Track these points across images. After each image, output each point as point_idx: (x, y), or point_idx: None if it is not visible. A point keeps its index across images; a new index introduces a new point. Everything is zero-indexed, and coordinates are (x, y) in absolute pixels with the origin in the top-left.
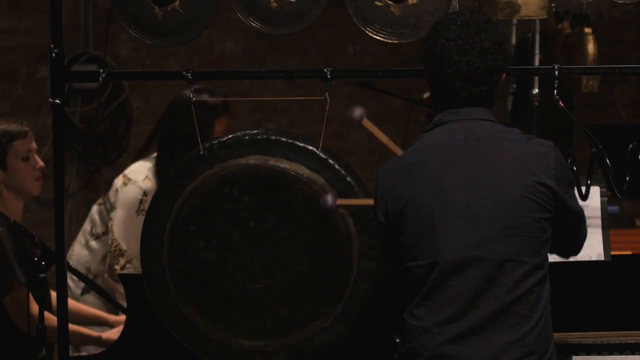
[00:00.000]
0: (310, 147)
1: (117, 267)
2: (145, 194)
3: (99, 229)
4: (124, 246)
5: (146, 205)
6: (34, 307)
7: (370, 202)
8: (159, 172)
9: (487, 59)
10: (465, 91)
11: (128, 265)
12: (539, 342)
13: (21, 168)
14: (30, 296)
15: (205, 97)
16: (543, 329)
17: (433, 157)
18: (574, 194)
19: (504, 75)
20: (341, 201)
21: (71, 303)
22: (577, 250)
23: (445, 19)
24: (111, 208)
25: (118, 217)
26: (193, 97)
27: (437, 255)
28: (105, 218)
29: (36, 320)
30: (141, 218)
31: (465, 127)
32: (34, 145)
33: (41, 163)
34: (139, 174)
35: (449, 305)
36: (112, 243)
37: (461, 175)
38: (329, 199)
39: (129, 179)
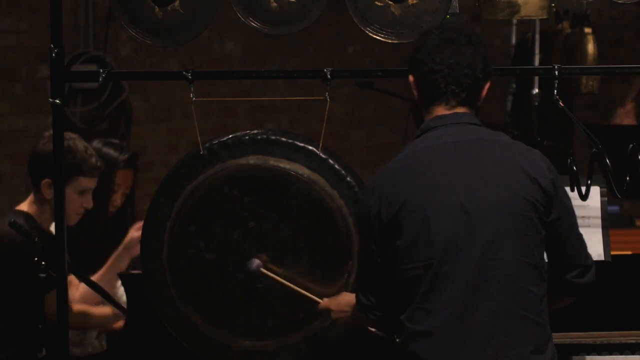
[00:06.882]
0: (310, 147)
1: None
2: None
3: None
4: None
5: None
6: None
7: (290, 285)
8: None
9: (476, 64)
10: (452, 93)
11: None
12: (541, 340)
13: (72, 199)
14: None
15: (110, 150)
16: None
17: (425, 160)
18: (566, 192)
19: (488, 84)
20: (264, 271)
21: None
22: (586, 258)
23: (432, 30)
24: None
25: None
26: (193, 96)
27: (432, 257)
28: None
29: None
30: None
31: (454, 130)
32: (94, 183)
33: (90, 204)
34: None
35: (446, 307)
36: None
37: (454, 176)
38: (255, 263)
39: None
